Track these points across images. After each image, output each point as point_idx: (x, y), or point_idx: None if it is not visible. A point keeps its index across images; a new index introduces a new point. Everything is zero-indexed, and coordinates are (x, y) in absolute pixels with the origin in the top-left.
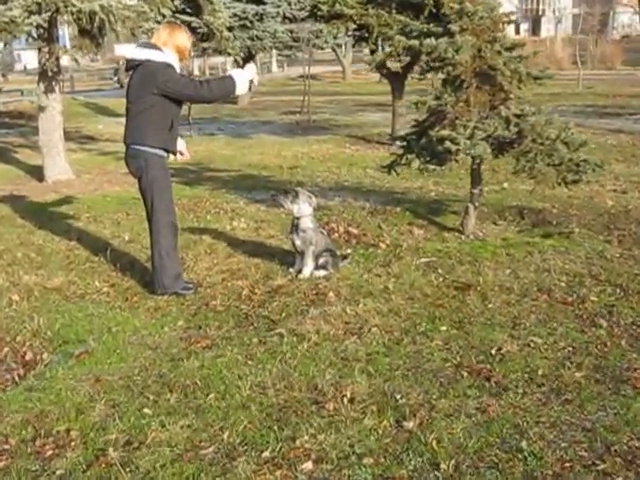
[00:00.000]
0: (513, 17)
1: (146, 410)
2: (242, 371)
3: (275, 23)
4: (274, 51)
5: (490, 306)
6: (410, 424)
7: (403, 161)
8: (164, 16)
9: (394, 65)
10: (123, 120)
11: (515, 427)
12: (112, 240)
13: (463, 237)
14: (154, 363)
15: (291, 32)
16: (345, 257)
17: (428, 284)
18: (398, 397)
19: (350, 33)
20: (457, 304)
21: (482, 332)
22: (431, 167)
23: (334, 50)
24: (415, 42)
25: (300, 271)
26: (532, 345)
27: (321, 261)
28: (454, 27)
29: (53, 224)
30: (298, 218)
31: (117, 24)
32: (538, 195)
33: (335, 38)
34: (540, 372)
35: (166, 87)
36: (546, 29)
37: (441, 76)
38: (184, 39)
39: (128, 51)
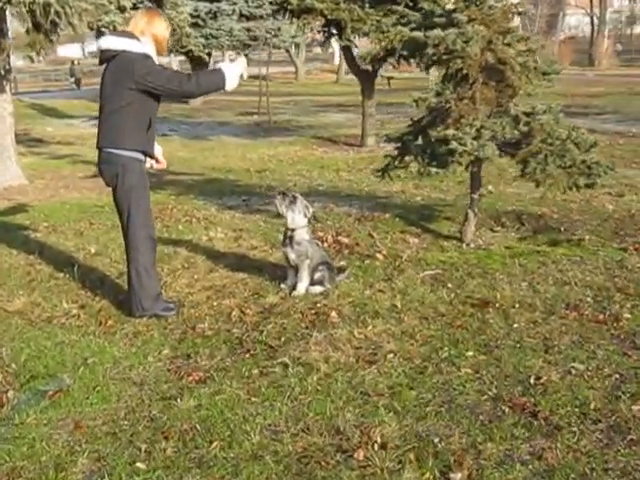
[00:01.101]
0: (522, 8)
1: (139, 464)
2: (247, 411)
3: (231, 21)
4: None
5: (515, 326)
6: (458, 476)
7: (400, 164)
8: (123, 10)
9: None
10: (74, 122)
11: (582, 477)
12: (77, 253)
13: (464, 246)
14: (142, 403)
15: (248, 30)
16: (342, 270)
17: (440, 301)
18: (436, 441)
19: (318, 29)
20: (478, 324)
21: (513, 357)
22: (433, 170)
23: (287, 50)
24: (419, 34)
25: (294, 287)
26: (574, 372)
27: (317, 276)
28: (461, 16)
29: (8, 235)
30: (293, 230)
31: (74, 17)
32: (534, 199)
33: (294, 37)
34: (592, 406)
35: (145, 81)
36: None
37: (436, 72)
38: (163, 28)
39: (102, 41)
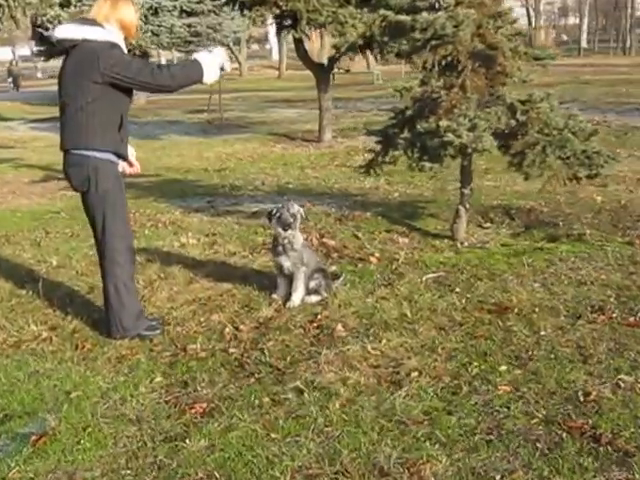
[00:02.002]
0: None
1: None
2: (269, 451)
3: (171, 17)
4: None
5: (542, 334)
6: None
7: (387, 159)
8: (67, 5)
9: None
10: (11, 124)
11: None
12: (37, 266)
13: (459, 245)
14: (144, 446)
15: (189, 26)
16: (336, 277)
17: (452, 308)
18: (498, 478)
19: (270, 22)
20: (502, 334)
21: (551, 370)
22: (427, 165)
23: (229, 47)
24: (405, 17)
25: (288, 298)
26: (623, 386)
27: (313, 284)
28: None
29: None
30: (286, 237)
31: (17, 10)
32: (516, 193)
33: (235, 32)
34: None
35: (113, 73)
36: None
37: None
38: (131, 13)
39: (59, 30)
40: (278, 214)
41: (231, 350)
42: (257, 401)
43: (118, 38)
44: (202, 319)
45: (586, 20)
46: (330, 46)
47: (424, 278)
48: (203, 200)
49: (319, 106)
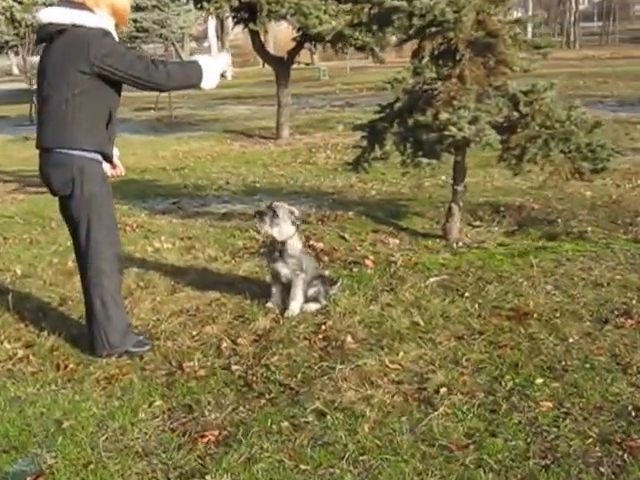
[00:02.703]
0: None
1: None
2: None
3: None
4: None
5: (571, 341)
6: None
7: (377, 154)
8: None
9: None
10: None
11: None
12: (1, 276)
13: (454, 245)
14: None
15: (135, 22)
16: (333, 282)
17: (466, 314)
18: None
19: (228, 14)
20: (527, 342)
21: (591, 382)
22: (424, 161)
23: (173, 44)
24: (402, 3)
25: (286, 306)
26: None
27: (311, 292)
28: None
29: None
30: (282, 242)
31: None
32: (500, 189)
33: (182, 28)
34: None
35: (104, 64)
36: None
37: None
38: None
39: (43, 13)
40: (270, 213)
41: (233, 367)
42: (275, 426)
43: (109, 25)
44: (194, 332)
45: (530, 14)
46: (290, 39)
47: (428, 282)
48: (167, 201)
49: (277, 102)
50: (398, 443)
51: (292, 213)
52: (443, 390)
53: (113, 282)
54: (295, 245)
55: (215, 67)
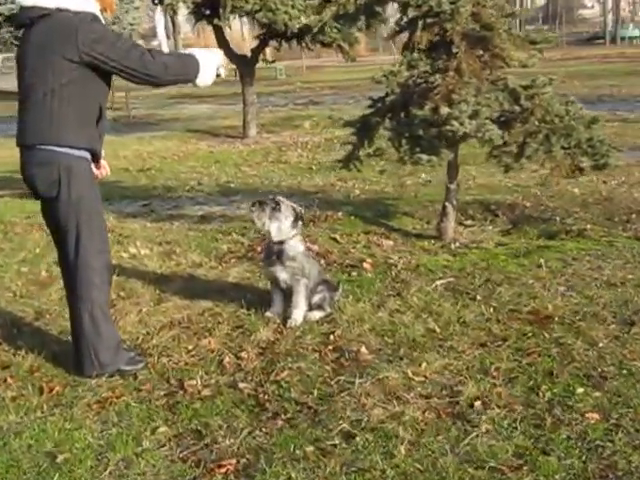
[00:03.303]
0: None
1: None
2: None
3: None
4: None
5: (601, 345)
6: None
7: (369, 151)
8: None
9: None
10: None
11: None
12: None
13: (453, 246)
14: None
15: None
16: (335, 288)
17: (482, 319)
18: None
19: (189, 9)
20: (555, 348)
21: (634, 390)
22: (424, 158)
23: None
24: None
25: (287, 316)
26: None
27: (316, 299)
28: None
29: None
30: (281, 242)
31: None
32: (484, 187)
33: (132, 25)
34: None
35: (94, 52)
36: None
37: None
38: None
39: None
40: (272, 205)
41: (240, 385)
42: (299, 452)
43: (96, 10)
44: (189, 346)
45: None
46: (253, 36)
47: (434, 285)
48: (135, 203)
49: (243, 100)
50: (442, 466)
51: (295, 210)
52: (477, 404)
53: (103, 295)
54: (296, 246)
55: (211, 62)
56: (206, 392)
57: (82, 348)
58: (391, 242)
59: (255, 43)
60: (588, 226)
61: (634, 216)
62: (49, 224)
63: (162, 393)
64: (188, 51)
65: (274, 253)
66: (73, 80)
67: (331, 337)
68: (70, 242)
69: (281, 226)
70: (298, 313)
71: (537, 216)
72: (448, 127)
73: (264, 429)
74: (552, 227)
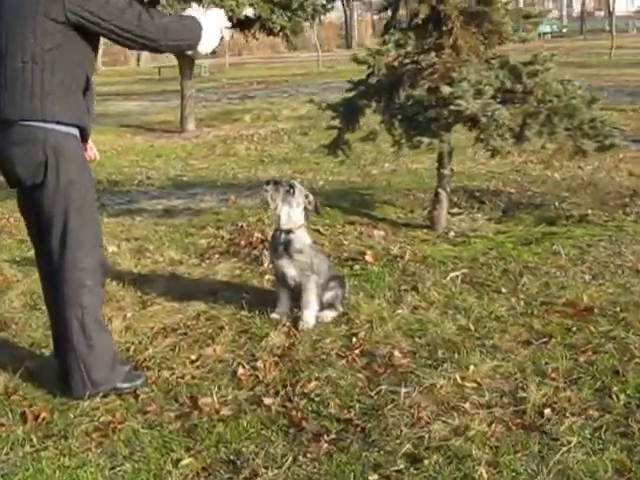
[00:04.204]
0: None
1: None
2: None
3: None
4: None
5: None
6: None
7: (345, 135)
8: None
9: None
10: None
11: None
12: None
13: (450, 234)
14: None
15: None
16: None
17: (516, 313)
18: None
19: None
20: (608, 343)
21: None
22: (425, 141)
23: None
24: None
25: (297, 317)
26: None
27: (328, 297)
28: None
29: None
30: (288, 231)
31: None
32: (464, 175)
33: None
34: None
35: (83, 11)
36: None
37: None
38: None
39: None
40: (286, 188)
41: (265, 400)
42: None
43: None
44: (192, 356)
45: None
46: None
47: (449, 278)
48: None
49: (181, 93)
50: None
51: (307, 198)
52: (547, 411)
53: (96, 299)
54: (303, 238)
55: (215, 25)
56: (226, 411)
57: (70, 364)
58: (382, 232)
59: None
60: (589, 211)
61: (627, 200)
62: (28, 216)
63: (173, 415)
64: (188, 12)
65: (281, 244)
66: (58, 45)
67: (354, 340)
68: (54, 237)
69: (291, 212)
70: (310, 314)
71: (527, 202)
72: (453, 107)
73: (309, 454)
74: (547, 213)
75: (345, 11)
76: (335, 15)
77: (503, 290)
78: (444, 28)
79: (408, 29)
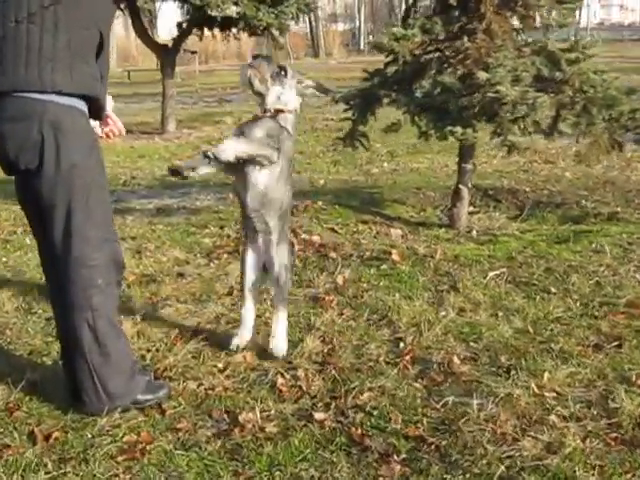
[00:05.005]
0: None
1: None
2: None
3: None
4: None
5: None
6: None
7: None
8: None
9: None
10: None
11: None
12: None
13: (474, 233)
14: None
15: None
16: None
17: (574, 314)
18: None
19: None
20: None
21: None
22: (458, 131)
23: None
24: None
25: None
26: None
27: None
28: None
29: None
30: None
31: None
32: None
33: None
34: None
35: None
36: None
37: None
38: None
39: None
40: (276, 70)
41: (315, 415)
42: None
43: None
44: (219, 364)
45: (362, 25)
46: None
47: (488, 277)
48: None
49: (163, 93)
50: None
51: (302, 83)
52: None
53: (110, 301)
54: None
55: None
56: (271, 428)
57: (82, 375)
58: (399, 231)
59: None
60: (619, 209)
61: None
62: (27, 207)
63: (210, 433)
64: None
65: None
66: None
67: (401, 345)
68: (57, 230)
69: (281, 94)
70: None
71: (546, 201)
72: (490, 94)
73: (381, 478)
74: (572, 211)
75: (310, 21)
76: (299, 25)
77: (553, 290)
78: (474, 13)
79: (433, 14)
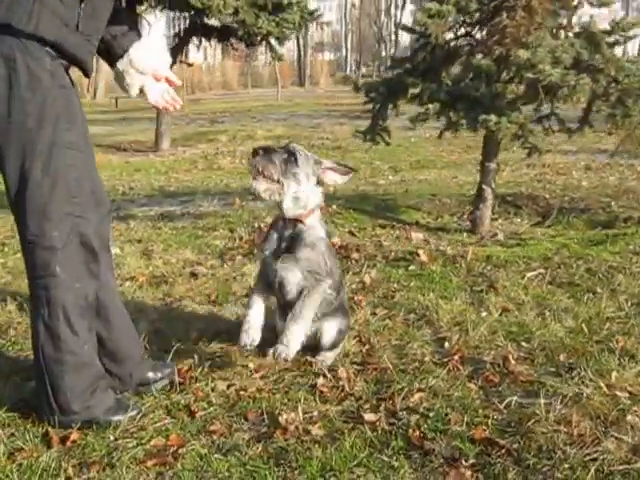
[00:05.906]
0: None
1: None
2: None
3: None
4: None
5: None
6: None
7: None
8: None
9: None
10: None
11: None
12: None
13: (500, 237)
14: None
15: None
16: None
17: (626, 314)
18: None
19: None
20: None
21: None
22: (492, 120)
23: None
24: None
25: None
26: None
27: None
28: None
29: None
30: (295, 221)
31: None
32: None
33: None
34: None
35: None
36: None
37: None
38: None
39: None
40: (284, 156)
41: (366, 417)
42: None
43: None
44: (251, 364)
45: (349, 54)
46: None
47: (526, 278)
48: None
49: (157, 111)
50: None
51: (318, 164)
52: None
53: (72, 297)
54: (317, 228)
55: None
56: (317, 430)
57: (35, 375)
58: (420, 235)
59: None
60: None
61: None
62: None
63: (247, 436)
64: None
65: (284, 240)
66: None
67: (446, 344)
68: (10, 194)
69: (299, 192)
70: (297, 335)
71: (569, 207)
72: (530, 75)
73: None
74: (598, 217)
75: (299, 49)
76: (286, 54)
77: (598, 290)
78: None
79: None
